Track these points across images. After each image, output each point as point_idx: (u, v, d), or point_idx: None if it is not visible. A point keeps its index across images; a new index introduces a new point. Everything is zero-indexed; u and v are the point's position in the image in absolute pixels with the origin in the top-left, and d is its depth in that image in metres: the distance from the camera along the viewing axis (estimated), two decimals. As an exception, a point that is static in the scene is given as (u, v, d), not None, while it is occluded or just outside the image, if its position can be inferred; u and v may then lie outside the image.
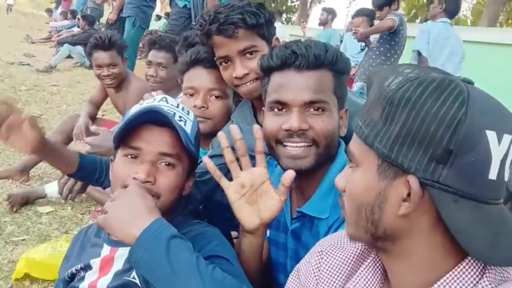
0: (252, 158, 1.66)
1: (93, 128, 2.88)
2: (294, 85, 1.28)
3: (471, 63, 5.49)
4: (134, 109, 1.33)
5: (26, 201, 2.91)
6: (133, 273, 1.20)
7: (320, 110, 1.27)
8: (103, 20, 10.27)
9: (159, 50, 2.90)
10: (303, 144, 1.27)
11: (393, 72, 0.77)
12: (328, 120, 1.28)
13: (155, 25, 14.51)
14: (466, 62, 5.00)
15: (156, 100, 1.34)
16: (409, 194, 0.73)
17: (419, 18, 18.06)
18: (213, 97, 1.78)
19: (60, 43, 9.20)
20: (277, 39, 1.68)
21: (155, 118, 1.24)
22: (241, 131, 1.66)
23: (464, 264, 0.74)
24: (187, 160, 1.31)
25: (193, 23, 5.18)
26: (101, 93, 3.66)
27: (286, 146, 1.29)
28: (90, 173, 1.66)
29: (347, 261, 0.95)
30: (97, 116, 3.68)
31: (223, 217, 1.68)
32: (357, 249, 0.95)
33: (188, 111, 1.36)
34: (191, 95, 1.80)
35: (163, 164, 1.25)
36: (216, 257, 1.17)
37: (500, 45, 5.98)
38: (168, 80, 2.84)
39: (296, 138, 1.28)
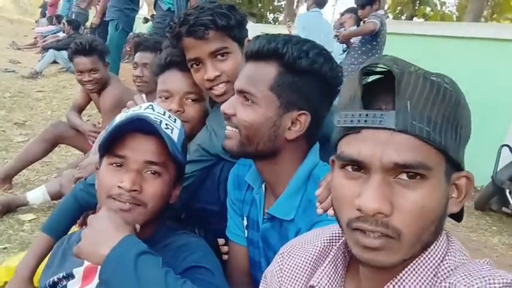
0: (227, 162, 1.66)
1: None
2: (240, 74, 1.29)
3: (455, 58, 5.56)
4: (119, 117, 1.32)
5: (8, 209, 2.88)
6: None
7: (250, 101, 1.24)
8: (88, 24, 10.22)
9: (144, 51, 2.92)
10: (229, 128, 1.29)
11: (421, 69, 0.74)
12: (253, 113, 1.23)
13: (142, 28, 14.45)
14: (448, 57, 5.14)
15: (143, 108, 1.32)
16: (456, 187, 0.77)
17: (404, 15, 18.14)
18: (189, 100, 1.75)
19: (46, 48, 9.16)
20: (249, 41, 1.67)
21: (141, 126, 1.22)
22: (216, 135, 1.66)
23: (429, 250, 0.76)
24: (174, 168, 1.29)
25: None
26: (83, 98, 3.63)
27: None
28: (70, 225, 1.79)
29: (308, 261, 0.95)
30: None
31: (208, 224, 1.68)
32: (317, 247, 0.95)
33: (175, 119, 1.35)
34: (166, 98, 1.77)
35: (149, 172, 1.23)
36: (198, 267, 1.17)
37: (481, 39, 6.03)
38: (153, 80, 2.83)
39: (226, 121, 1.30)
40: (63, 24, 9.80)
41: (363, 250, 0.74)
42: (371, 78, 0.78)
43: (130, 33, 7.05)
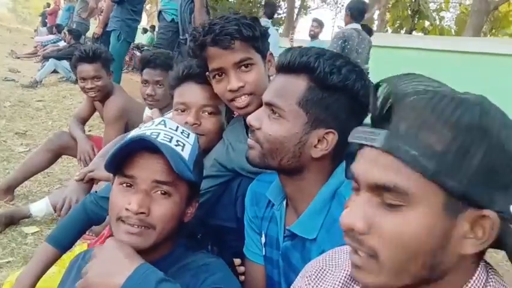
0: (245, 177, 1.62)
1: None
2: (269, 85, 1.27)
3: (454, 72, 5.62)
4: (132, 133, 1.29)
5: (10, 222, 2.83)
6: None
7: (276, 114, 1.21)
8: (89, 34, 10.23)
9: (155, 69, 2.82)
10: (251, 140, 1.27)
11: (437, 90, 0.69)
12: (278, 127, 1.20)
13: (141, 38, 14.47)
14: (449, 72, 5.26)
15: (155, 123, 1.28)
16: (471, 229, 0.68)
17: (404, 29, 18.26)
18: (206, 113, 1.71)
19: (46, 58, 9.13)
20: (271, 54, 1.65)
21: (147, 145, 1.18)
22: (233, 149, 1.62)
23: (471, 281, 0.73)
24: (186, 186, 1.24)
25: (181, 37, 5.19)
26: (87, 108, 3.59)
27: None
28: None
29: (336, 286, 0.92)
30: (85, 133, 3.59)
31: (224, 241, 1.64)
32: (345, 272, 0.92)
33: (188, 134, 1.31)
34: (182, 111, 1.72)
35: (159, 192, 1.19)
36: None
37: (481, 54, 6.08)
38: (165, 97, 2.77)
39: (250, 133, 1.29)
40: (64, 33, 9.79)
41: (352, 268, 0.76)
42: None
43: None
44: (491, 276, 0.75)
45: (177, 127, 1.30)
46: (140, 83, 2.90)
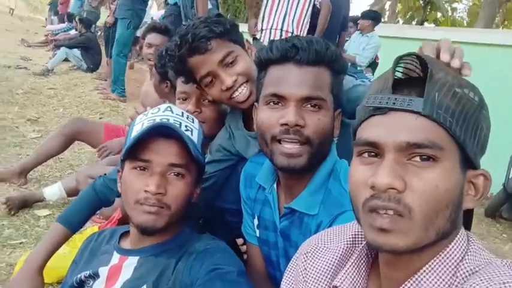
0: (245, 161, 1.67)
1: None
2: (292, 79, 1.24)
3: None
4: (139, 123, 1.33)
5: (24, 205, 2.90)
6: (144, 286, 1.22)
7: (317, 107, 1.25)
8: (99, 22, 10.25)
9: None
10: (297, 140, 1.24)
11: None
12: (324, 119, 1.25)
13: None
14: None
15: (161, 110, 1.34)
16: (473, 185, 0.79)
17: (415, 20, 18.10)
18: (206, 101, 1.77)
19: (57, 46, 9.19)
20: (247, 41, 1.68)
21: (163, 131, 1.26)
22: (234, 138, 1.66)
23: (447, 249, 0.78)
24: (196, 169, 1.33)
25: (183, 22, 5.22)
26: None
27: (282, 143, 1.25)
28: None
29: (331, 262, 0.97)
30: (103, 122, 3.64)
31: (226, 223, 1.68)
32: (340, 248, 0.97)
33: (193, 119, 1.38)
34: (184, 100, 1.79)
35: (173, 174, 1.26)
36: (219, 269, 1.18)
37: (493, 46, 6.04)
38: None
39: (291, 135, 1.23)
40: (76, 22, 9.81)
41: (376, 233, 0.76)
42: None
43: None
44: (472, 240, 0.81)
45: (182, 113, 1.37)
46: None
